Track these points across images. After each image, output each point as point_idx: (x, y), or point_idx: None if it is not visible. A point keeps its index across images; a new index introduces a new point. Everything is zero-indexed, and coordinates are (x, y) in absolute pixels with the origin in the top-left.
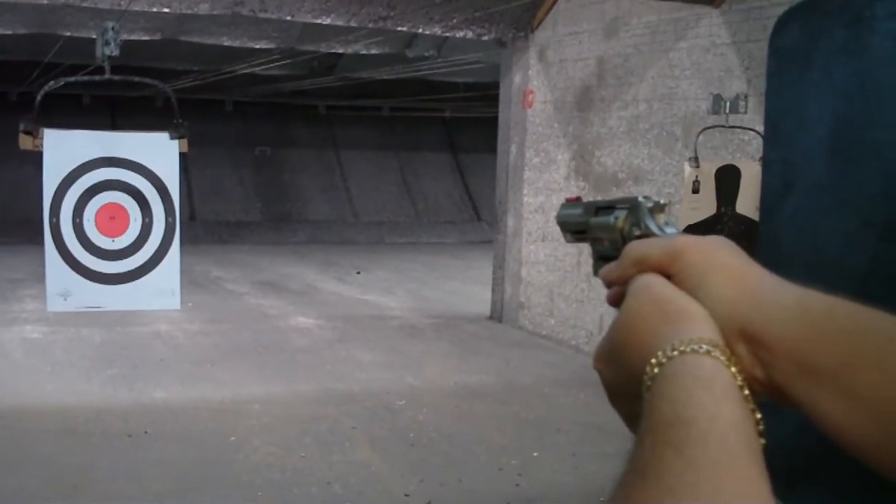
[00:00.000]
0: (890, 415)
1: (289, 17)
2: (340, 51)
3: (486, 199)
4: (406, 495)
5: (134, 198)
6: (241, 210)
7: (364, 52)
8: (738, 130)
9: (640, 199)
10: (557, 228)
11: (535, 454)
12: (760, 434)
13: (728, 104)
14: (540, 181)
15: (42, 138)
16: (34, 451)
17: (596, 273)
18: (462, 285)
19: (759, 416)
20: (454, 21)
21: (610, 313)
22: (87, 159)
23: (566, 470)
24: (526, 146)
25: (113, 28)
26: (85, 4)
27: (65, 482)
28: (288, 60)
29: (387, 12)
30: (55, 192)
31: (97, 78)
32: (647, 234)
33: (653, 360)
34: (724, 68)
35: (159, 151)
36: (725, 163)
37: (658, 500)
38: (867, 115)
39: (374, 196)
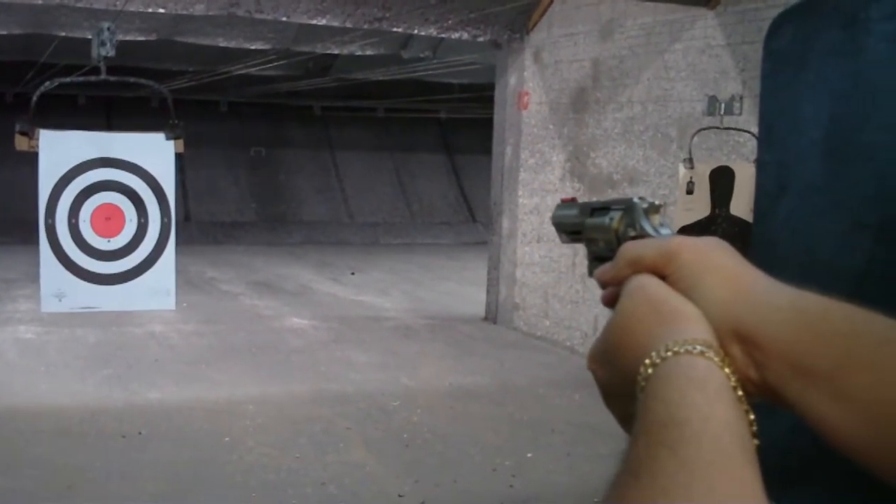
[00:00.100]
0: (884, 417)
1: (284, 18)
2: (336, 52)
3: (481, 200)
4: (400, 496)
5: (129, 198)
6: (236, 210)
7: (359, 53)
8: (733, 132)
9: (636, 199)
10: (552, 230)
11: (530, 455)
12: (754, 435)
13: (723, 106)
14: (535, 182)
15: (38, 139)
16: (28, 451)
17: (591, 274)
18: (457, 286)
19: (752, 416)
20: (449, 22)
21: (604, 314)
22: (82, 160)
23: (560, 470)
24: (521, 147)
25: (108, 28)
26: (80, 5)
27: (59, 482)
28: (283, 61)
29: (382, 13)
30: (51, 193)
31: (93, 78)
32: (642, 235)
33: (647, 361)
34: (718, 70)
35: (155, 152)
36: (720, 164)
37: (652, 500)
38: (862, 117)
39: (370, 197)
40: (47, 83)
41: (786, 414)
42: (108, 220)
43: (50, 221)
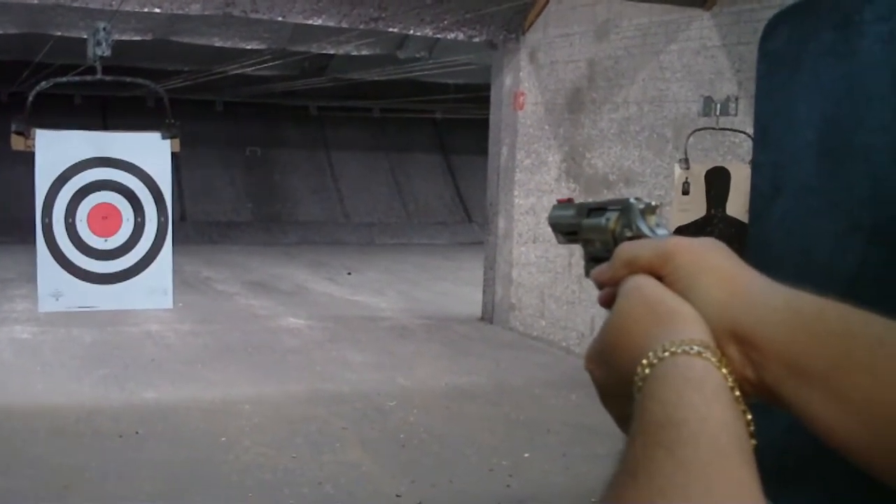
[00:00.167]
0: (880, 417)
1: (280, 18)
2: (331, 51)
3: (476, 200)
4: (397, 496)
5: (126, 197)
6: (232, 210)
7: (355, 53)
8: (729, 132)
9: (632, 200)
10: (548, 230)
11: (526, 455)
12: (751, 435)
13: (718, 106)
14: (531, 183)
15: (34, 139)
16: (24, 451)
17: (587, 274)
18: (453, 286)
19: (749, 417)
20: (445, 22)
21: (601, 315)
22: (79, 159)
23: (557, 471)
24: (517, 148)
25: (104, 28)
26: (76, 4)
27: (55, 482)
28: (279, 61)
29: (378, 13)
30: (47, 193)
31: (89, 78)
32: (639, 236)
33: (644, 361)
34: (714, 71)
35: (151, 151)
36: (716, 165)
37: (649, 500)
38: (856, 118)
39: (365, 197)
40: (43, 83)
41: (783, 414)
42: (105, 220)
43: (47, 221)
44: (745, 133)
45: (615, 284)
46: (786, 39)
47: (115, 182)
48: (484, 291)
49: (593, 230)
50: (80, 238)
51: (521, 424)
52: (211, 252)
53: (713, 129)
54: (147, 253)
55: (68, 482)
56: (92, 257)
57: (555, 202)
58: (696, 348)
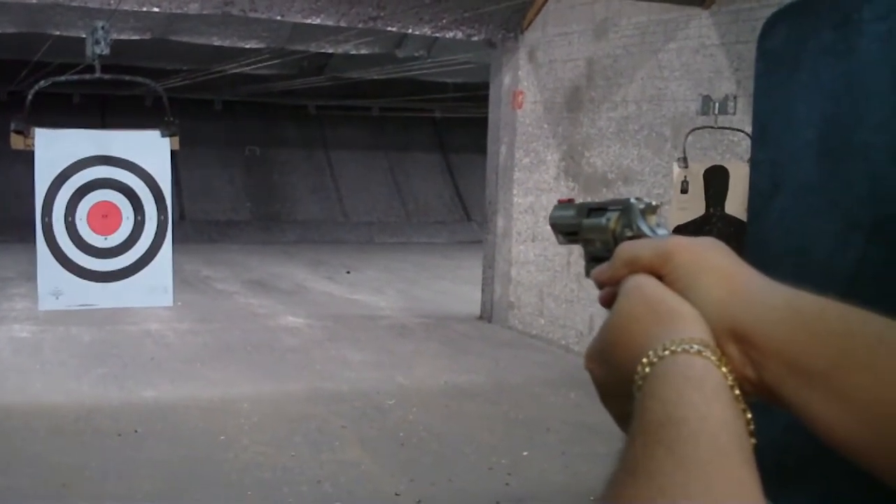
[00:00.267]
0: (880, 416)
1: (279, 17)
2: (330, 51)
3: (475, 199)
4: (396, 494)
5: (126, 196)
6: (231, 209)
7: (354, 52)
8: (727, 131)
9: (633, 200)
10: (547, 228)
11: (525, 453)
12: (751, 434)
13: (717, 105)
14: (529, 181)
15: (33, 137)
16: (23, 450)
17: (588, 274)
18: (452, 285)
19: (749, 415)
20: (444, 21)
21: (600, 313)
22: (78, 158)
23: (556, 469)
24: (516, 147)
25: (103, 27)
26: (74, 4)
27: (54, 481)
28: (278, 60)
29: (376, 12)
30: (47, 191)
31: (87, 77)
32: (639, 236)
33: (644, 360)
34: (713, 69)
35: (151, 149)
36: (714, 163)
37: (649, 499)
38: (855, 117)
39: (364, 196)
40: (42, 82)
41: (782, 413)
42: (105, 218)
43: (46, 220)
44: (743, 132)
45: (615, 284)
46: (784, 38)
47: (115, 180)
48: (483, 290)
49: (594, 230)
50: (80, 236)
51: (520, 423)
52: (210, 251)
53: (712, 127)
54: (147, 251)
55: (67, 481)
56: (92, 255)
57: (555, 202)
58: (696, 347)
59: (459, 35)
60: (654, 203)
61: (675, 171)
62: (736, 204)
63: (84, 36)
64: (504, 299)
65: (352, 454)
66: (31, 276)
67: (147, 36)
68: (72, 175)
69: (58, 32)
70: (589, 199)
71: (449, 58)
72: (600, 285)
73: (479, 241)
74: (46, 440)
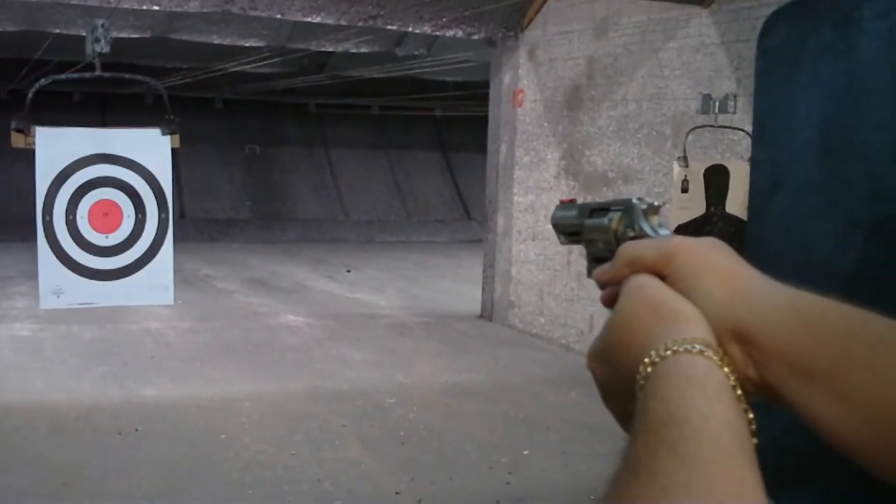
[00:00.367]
0: (882, 416)
1: (279, 16)
2: (330, 49)
3: (476, 197)
4: (397, 493)
5: (127, 194)
6: (231, 208)
7: (354, 50)
8: (728, 130)
9: (635, 200)
10: (547, 227)
11: (526, 452)
12: (753, 434)
13: (717, 104)
14: (530, 180)
15: (34, 136)
16: (23, 448)
17: (590, 275)
18: (452, 284)
19: (751, 415)
20: (444, 20)
21: (600, 312)
22: (79, 156)
23: (556, 468)
24: (516, 145)
25: (103, 25)
26: (74, 2)
27: (55, 479)
28: (278, 58)
29: (377, 11)
30: (48, 190)
31: (87, 75)
32: (641, 236)
33: (646, 360)
34: (713, 68)
35: (151, 147)
36: (714, 162)
37: (651, 499)
38: (855, 116)
39: (365, 195)
40: (42, 80)
41: (784, 413)
42: (106, 216)
43: (47, 218)
44: (743, 131)
45: (617, 284)
46: (784, 37)
47: (116, 178)
48: (483, 289)
49: (596, 230)
50: (80, 235)
51: (520, 422)
52: (210, 250)
53: (712, 126)
54: (148, 249)
55: (68, 479)
56: (93, 254)
57: (556, 201)
58: (698, 347)
59: (459, 33)
60: (656, 203)
61: (675, 170)
62: (736, 203)
63: (84, 34)
64: (504, 298)
65: (352, 453)
66: (31, 275)
67: (147, 34)
68: (72, 173)
69: (58, 31)
70: (589, 198)
71: (449, 56)
72: (602, 285)
73: (479, 239)
74: (47, 439)
